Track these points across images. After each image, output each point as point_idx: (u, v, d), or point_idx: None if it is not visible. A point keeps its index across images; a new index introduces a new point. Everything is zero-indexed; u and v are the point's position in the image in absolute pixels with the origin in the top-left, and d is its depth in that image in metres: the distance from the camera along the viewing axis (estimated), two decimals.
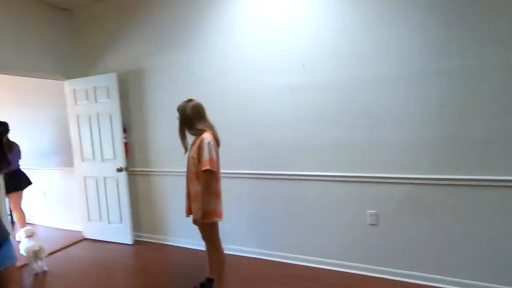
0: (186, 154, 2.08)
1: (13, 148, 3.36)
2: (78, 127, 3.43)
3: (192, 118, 1.95)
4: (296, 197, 2.62)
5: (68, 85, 3.42)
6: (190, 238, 3.13)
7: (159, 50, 3.07)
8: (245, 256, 2.86)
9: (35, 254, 2.72)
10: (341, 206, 2.46)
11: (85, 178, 3.47)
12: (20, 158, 3.52)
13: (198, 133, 1.96)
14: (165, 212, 3.27)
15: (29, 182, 3.59)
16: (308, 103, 2.48)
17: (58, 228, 4.04)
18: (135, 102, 3.29)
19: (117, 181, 3.27)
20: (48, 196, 4.13)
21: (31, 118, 4.11)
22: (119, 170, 3.20)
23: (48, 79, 3.34)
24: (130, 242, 3.30)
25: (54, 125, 3.91)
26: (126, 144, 3.32)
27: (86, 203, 3.51)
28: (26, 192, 4.34)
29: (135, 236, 3.41)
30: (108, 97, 3.20)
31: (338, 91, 2.37)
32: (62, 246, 3.35)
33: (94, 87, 3.26)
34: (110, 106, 3.20)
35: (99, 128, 3.30)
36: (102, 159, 3.32)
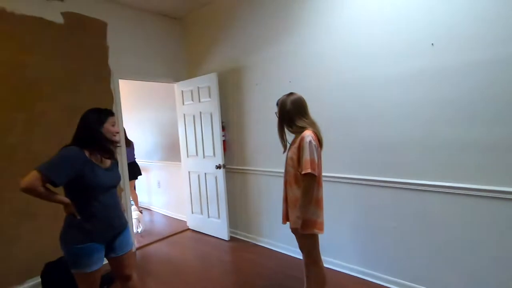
0: (284, 154, 1.88)
1: (130, 144, 4.28)
2: (185, 125, 3.71)
3: (292, 114, 1.74)
4: (416, 211, 2.09)
5: (177, 87, 3.75)
6: (285, 243, 2.96)
7: (255, 47, 3.00)
8: (346, 273, 2.48)
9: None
10: (493, 233, 1.81)
11: (189, 173, 3.74)
12: (134, 152, 4.41)
13: (298, 131, 1.73)
14: (260, 212, 3.20)
15: (140, 173, 4.48)
16: (436, 93, 1.93)
17: (169, 216, 4.53)
18: (233, 100, 3.33)
19: (216, 177, 3.38)
20: (162, 187, 4.68)
21: (149, 118, 4.73)
22: (218, 167, 3.30)
23: (162, 82, 3.73)
24: (226, 238, 3.37)
25: (167, 124, 4.38)
26: (224, 141, 3.40)
27: (190, 196, 3.78)
28: (145, 181, 5.03)
29: (231, 232, 3.47)
30: (210, 96, 3.33)
31: (480, 75, 1.74)
32: (169, 234, 3.69)
33: (198, 87, 3.46)
34: (211, 105, 3.33)
35: (201, 126, 3.48)
36: (204, 156, 3.49)
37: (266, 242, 3.15)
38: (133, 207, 4.69)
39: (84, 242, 1.52)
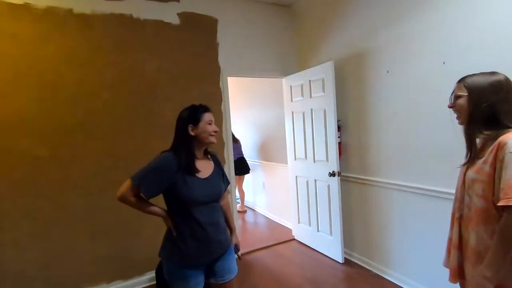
0: (460, 170, 1.19)
1: (237, 141, 4.51)
2: (293, 124, 3.33)
3: (496, 106, 1.04)
4: None
5: (285, 82, 3.40)
6: (428, 286, 2.18)
7: (383, 24, 2.30)
8: None
9: None
10: None
11: (297, 177, 3.34)
12: (241, 149, 4.57)
13: (497, 134, 1.03)
14: (387, 237, 2.50)
15: (248, 170, 4.51)
16: None
17: (272, 220, 4.28)
18: (353, 94, 2.71)
19: (328, 186, 2.86)
20: (266, 188, 4.48)
21: (254, 116, 4.59)
22: (332, 174, 2.76)
23: (270, 77, 3.45)
24: (339, 260, 2.81)
25: (273, 123, 4.12)
26: (339, 144, 2.83)
27: (297, 204, 3.38)
28: (250, 180, 4.95)
29: (346, 253, 2.88)
30: (323, 90, 2.82)
31: None
32: (274, 243, 3.39)
33: (309, 80, 3.00)
34: (324, 100, 2.82)
35: (312, 126, 3.01)
36: (314, 160, 3.02)
37: (396, 278, 2.42)
38: (238, 206, 4.70)
39: (179, 264, 1.31)
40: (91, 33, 2.43)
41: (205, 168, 1.35)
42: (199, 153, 1.36)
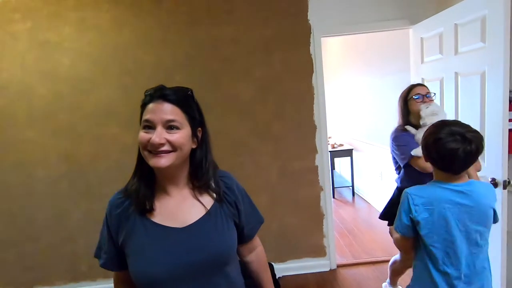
0: None
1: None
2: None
3: None
4: None
5: (413, 34, 2.26)
6: None
7: None
8: None
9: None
10: None
11: None
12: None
13: None
14: None
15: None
16: None
17: None
18: None
19: None
20: (384, 180, 3.47)
21: (374, 84, 3.51)
22: (493, 184, 1.62)
23: (389, 30, 2.37)
24: None
25: (395, 94, 2.98)
26: (510, 134, 1.62)
27: None
28: (366, 168, 4.02)
29: None
30: (484, 39, 1.62)
31: None
32: (383, 258, 2.51)
33: (455, 25, 1.80)
34: (484, 55, 1.62)
35: (457, 101, 1.86)
36: None
37: None
38: None
39: None
40: (160, 10, 2.19)
41: (183, 208, 0.75)
42: (172, 181, 0.75)
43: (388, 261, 2.46)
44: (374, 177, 3.71)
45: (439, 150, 1.03)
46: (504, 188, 1.59)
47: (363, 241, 2.93)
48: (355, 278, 2.34)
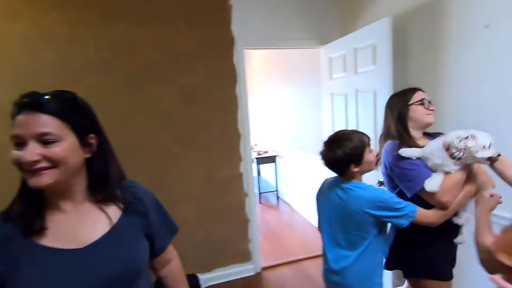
0: None
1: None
2: (332, 110, 2.52)
3: None
4: None
5: (323, 53, 2.55)
6: None
7: None
8: None
9: None
10: None
11: None
12: None
13: None
14: None
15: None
16: None
17: (309, 223, 3.60)
18: (421, 66, 1.80)
19: None
20: (304, 183, 3.77)
21: (290, 96, 3.82)
22: (381, 184, 1.94)
23: (303, 48, 2.63)
24: None
25: (310, 106, 3.31)
26: None
27: None
28: (288, 173, 4.23)
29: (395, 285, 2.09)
30: (374, 62, 1.95)
31: None
32: (303, 257, 2.73)
33: (354, 48, 2.12)
34: (375, 77, 1.95)
35: (357, 114, 2.18)
36: None
37: None
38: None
39: None
40: (71, 4, 1.97)
41: (83, 226, 0.67)
42: (65, 197, 0.66)
43: (307, 258, 2.68)
44: (296, 181, 4.00)
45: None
46: None
47: (285, 242, 3.12)
48: (278, 279, 2.47)
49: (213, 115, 2.32)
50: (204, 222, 2.37)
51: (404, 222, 1.11)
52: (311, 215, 3.56)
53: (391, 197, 1.16)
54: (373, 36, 1.92)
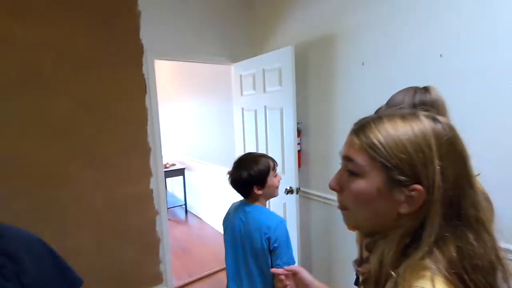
0: None
1: None
2: (243, 124, 2.67)
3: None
4: None
5: (234, 70, 2.69)
6: None
7: (361, 1, 1.72)
8: None
9: None
10: None
11: None
12: None
13: None
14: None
15: None
16: None
17: (220, 232, 3.64)
18: (318, 89, 2.13)
19: (284, 205, 2.28)
20: (214, 195, 3.80)
21: (201, 109, 3.84)
22: (289, 191, 2.18)
23: (214, 64, 2.71)
24: None
25: (221, 119, 3.41)
26: (299, 153, 2.26)
27: None
28: (198, 186, 4.19)
29: None
30: (280, 84, 2.19)
31: None
32: (218, 269, 2.75)
33: (263, 69, 2.33)
34: (281, 96, 2.19)
35: (266, 128, 2.38)
36: None
37: None
38: None
39: None
40: None
41: None
42: None
43: (222, 269, 2.69)
44: (205, 193, 3.99)
45: None
46: (297, 193, 2.17)
47: (198, 256, 3.06)
48: None
49: (119, 128, 2.11)
50: (108, 249, 2.09)
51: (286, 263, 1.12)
52: None
53: (285, 232, 1.18)
54: (279, 60, 2.16)
